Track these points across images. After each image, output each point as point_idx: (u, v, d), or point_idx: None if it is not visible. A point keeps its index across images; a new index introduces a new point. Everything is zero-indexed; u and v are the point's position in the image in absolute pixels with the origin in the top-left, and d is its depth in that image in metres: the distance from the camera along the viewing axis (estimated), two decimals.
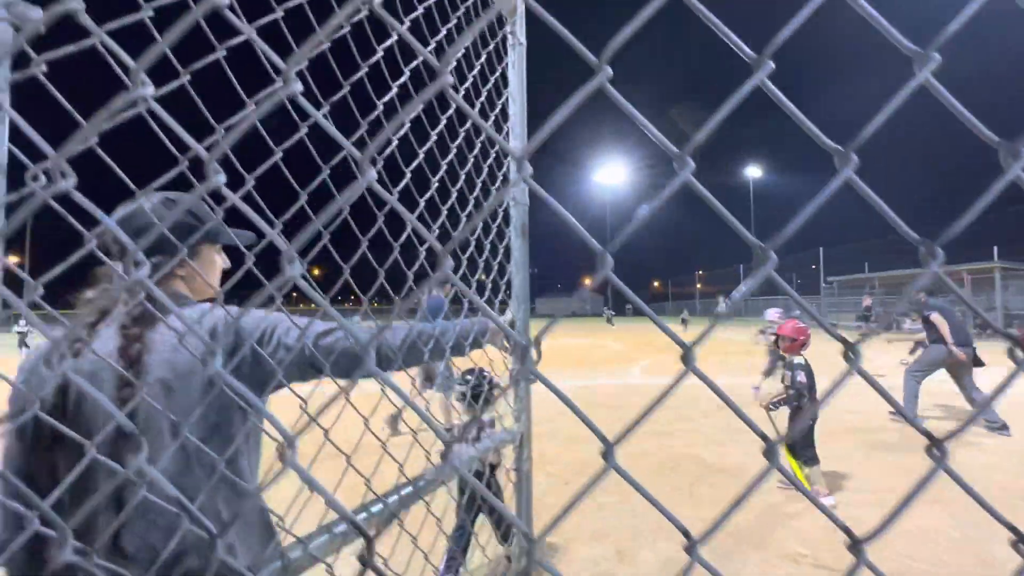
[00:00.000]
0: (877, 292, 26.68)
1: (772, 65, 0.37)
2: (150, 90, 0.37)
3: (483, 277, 1.40)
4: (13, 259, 0.51)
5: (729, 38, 0.38)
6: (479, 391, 2.87)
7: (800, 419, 4.06)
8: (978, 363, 5.97)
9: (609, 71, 0.37)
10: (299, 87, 0.38)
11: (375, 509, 0.96)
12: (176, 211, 0.56)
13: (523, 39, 1.55)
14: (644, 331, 27.28)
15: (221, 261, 1.11)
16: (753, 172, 60.89)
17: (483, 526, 2.73)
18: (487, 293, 1.42)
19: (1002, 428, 5.65)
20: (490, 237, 1.43)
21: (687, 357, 0.40)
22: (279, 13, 0.79)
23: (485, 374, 2.98)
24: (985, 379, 6.03)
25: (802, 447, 4.09)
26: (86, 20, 0.41)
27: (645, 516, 3.63)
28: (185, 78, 0.63)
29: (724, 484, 4.22)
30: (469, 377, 2.99)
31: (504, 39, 1.55)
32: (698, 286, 65.76)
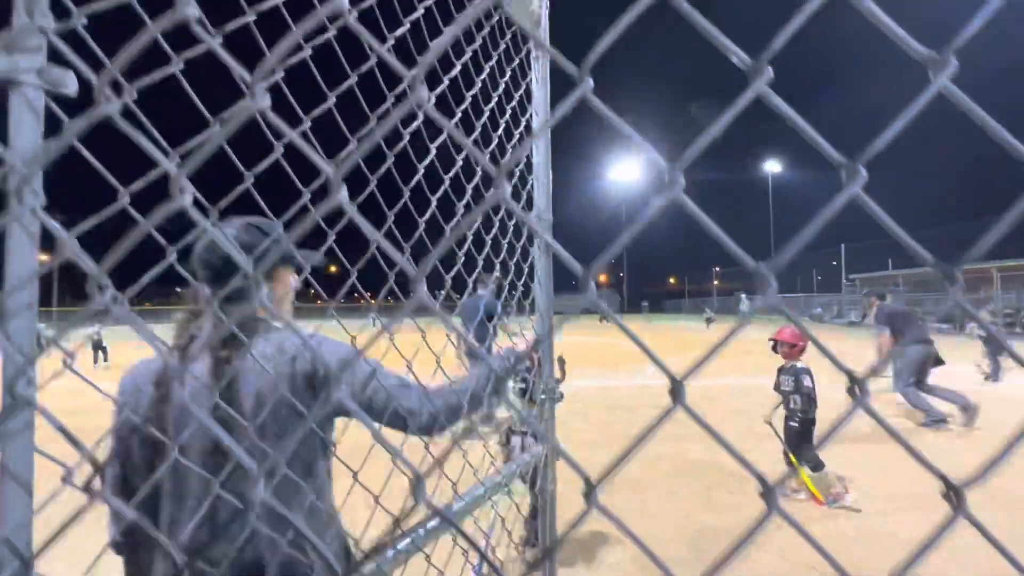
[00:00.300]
0: (901, 291, 26.01)
1: (771, 73, 0.35)
2: (189, 198, 0.36)
3: (507, 297, 1.39)
4: (44, 257, 0.51)
5: (727, 47, 0.36)
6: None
7: (805, 427, 3.97)
8: (938, 362, 6.05)
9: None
10: (345, 195, 0.37)
11: (401, 546, 0.96)
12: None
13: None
14: (658, 330, 27.05)
15: (295, 282, 1.16)
16: (772, 167, 59.72)
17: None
18: (512, 311, 1.42)
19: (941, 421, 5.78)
20: (515, 258, 1.42)
21: (677, 392, 0.38)
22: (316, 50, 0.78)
23: None
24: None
25: (805, 451, 4.01)
26: (125, 125, 0.40)
27: (663, 520, 3.60)
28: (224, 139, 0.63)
29: (743, 490, 4.15)
30: (527, 376, 2.99)
31: (528, 52, 1.54)
32: (715, 283, 64.88)
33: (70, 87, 0.47)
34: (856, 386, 0.38)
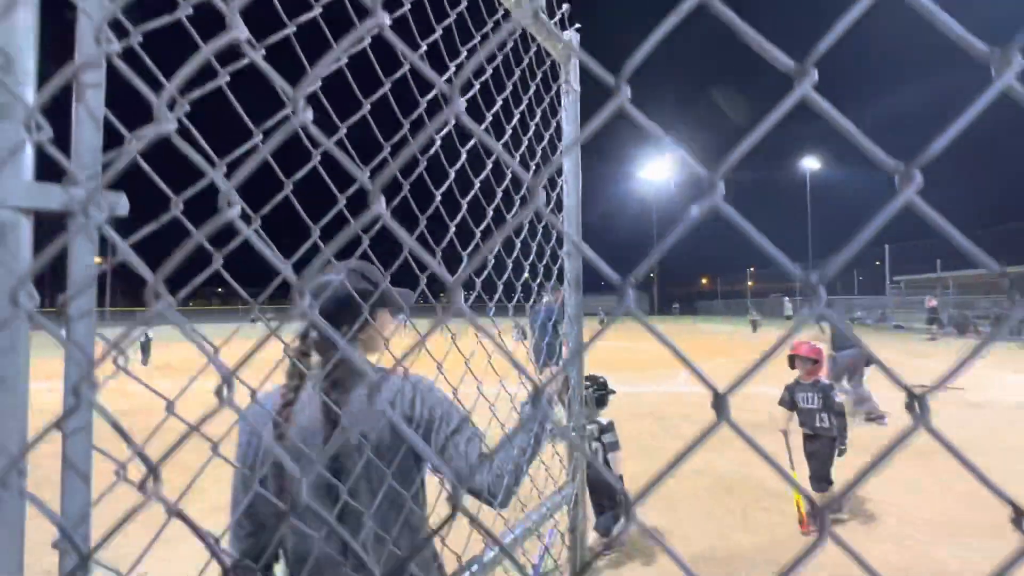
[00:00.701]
0: (949, 294, 24.71)
1: (815, 76, 0.33)
2: (237, 210, 0.39)
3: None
4: (99, 259, 0.54)
5: (768, 52, 0.34)
6: (599, 395, 3.38)
7: (832, 445, 3.78)
8: (868, 362, 6.88)
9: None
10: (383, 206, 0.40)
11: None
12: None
13: (577, 86, 1.55)
14: (690, 332, 26.46)
15: (394, 322, 1.24)
16: (810, 164, 57.59)
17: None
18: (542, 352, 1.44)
19: (880, 418, 6.57)
20: (545, 297, 1.44)
21: (720, 405, 0.36)
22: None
23: (600, 379, 3.49)
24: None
25: (821, 469, 3.81)
26: (181, 143, 0.43)
27: (697, 540, 3.52)
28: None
29: (781, 508, 4.02)
30: (587, 383, 3.31)
31: (558, 90, 1.56)
32: (750, 283, 62.75)
33: (123, 209, 0.51)
34: (916, 403, 0.33)
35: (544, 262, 1.43)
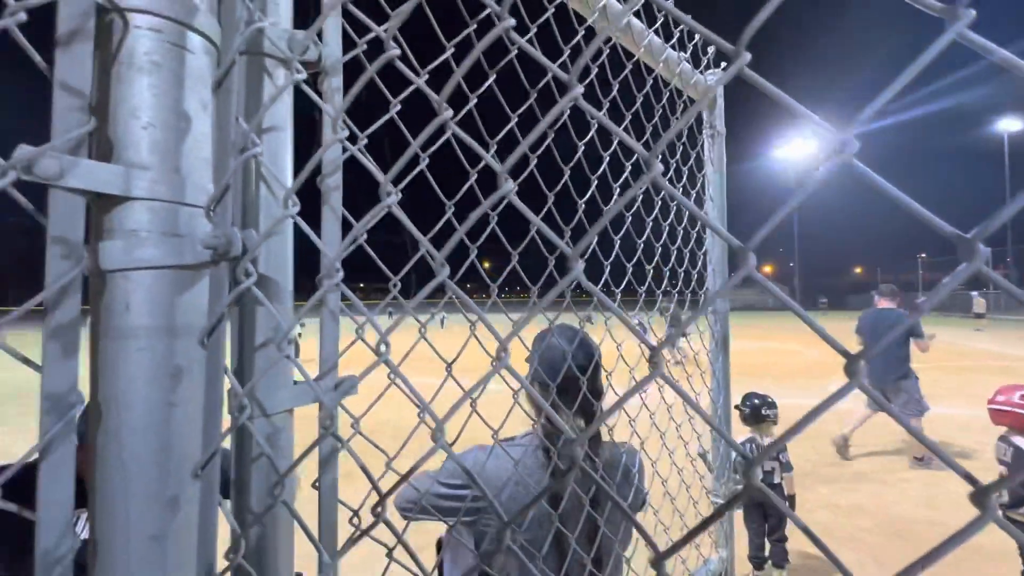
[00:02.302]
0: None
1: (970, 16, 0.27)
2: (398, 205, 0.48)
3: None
4: None
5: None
6: (760, 413, 3.26)
7: None
8: None
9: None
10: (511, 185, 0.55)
11: None
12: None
13: (722, 128, 1.59)
14: (843, 334, 22.68)
15: None
16: (1010, 125, 46.71)
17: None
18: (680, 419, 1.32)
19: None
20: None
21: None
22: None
23: (768, 397, 3.39)
24: None
25: None
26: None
27: None
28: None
29: (976, 568, 3.01)
30: (756, 401, 3.31)
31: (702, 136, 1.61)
32: (920, 273, 52.43)
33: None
34: None
35: (676, 245, 1.43)
